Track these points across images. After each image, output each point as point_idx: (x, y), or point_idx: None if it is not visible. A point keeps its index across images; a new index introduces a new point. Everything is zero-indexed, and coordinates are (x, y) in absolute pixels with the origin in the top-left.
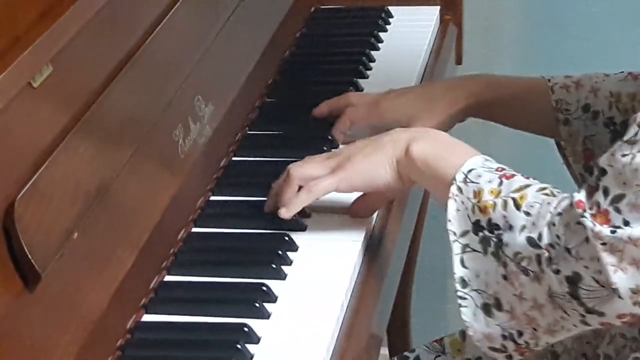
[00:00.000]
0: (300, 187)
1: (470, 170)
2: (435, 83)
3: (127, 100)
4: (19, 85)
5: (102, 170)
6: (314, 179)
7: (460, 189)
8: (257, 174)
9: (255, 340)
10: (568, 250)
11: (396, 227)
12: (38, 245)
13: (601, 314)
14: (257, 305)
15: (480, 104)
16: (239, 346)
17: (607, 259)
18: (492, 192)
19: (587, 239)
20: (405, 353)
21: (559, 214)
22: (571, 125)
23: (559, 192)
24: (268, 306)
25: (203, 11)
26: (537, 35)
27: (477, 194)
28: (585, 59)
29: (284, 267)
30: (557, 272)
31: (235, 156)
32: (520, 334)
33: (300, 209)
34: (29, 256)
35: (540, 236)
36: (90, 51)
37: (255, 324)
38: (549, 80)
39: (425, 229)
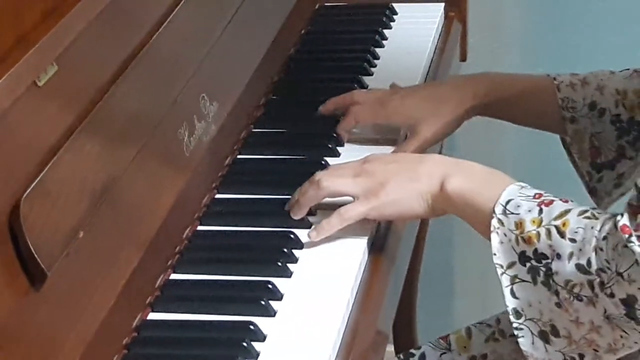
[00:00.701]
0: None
1: (508, 202)
2: (441, 83)
3: (132, 98)
4: (24, 84)
5: (108, 168)
6: (343, 195)
7: (501, 222)
8: (262, 172)
9: (261, 338)
10: (620, 274)
11: (402, 225)
12: (44, 244)
13: None
14: (262, 303)
15: (487, 103)
16: (244, 344)
17: None
18: (533, 221)
19: (637, 262)
20: (411, 350)
21: (604, 237)
22: (577, 123)
23: (599, 213)
24: (274, 304)
25: (208, 9)
26: (542, 32)
27: (519, 225)
28: (589, 55)
29: (289, 265)
30: (611, 295)
31: (240, 154)
32: (582, 356)
33: (330, 233)
34: (35, 255)
35: (589, 262)
36: (95, 50)
37: (261, 321)
38: (554, 79)
39: (431, 226)
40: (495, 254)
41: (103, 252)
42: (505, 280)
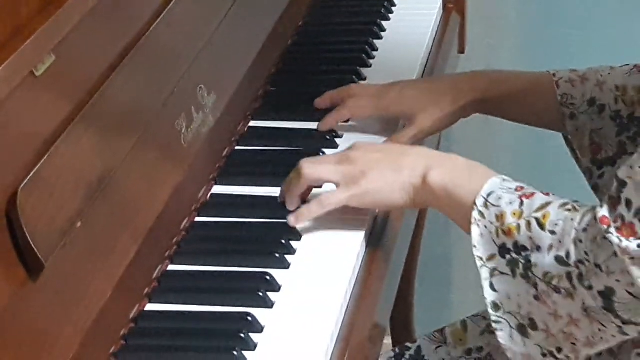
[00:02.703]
0: (309, 187)
1: (490, 194)
2: (441, 77)
3: (130, 89)
4: (22, 74)
5: (105, 159)
6: (325, 182)
7: (482, 214)
8: (259, 164)
9: (259, 329)
10: (598, 266)
11: (399, 217)
12: (41, 234)
13: (638, 324)
14: (260, 294)
15: (485, 99)
16: (242, 335)
17: (637, 272)
18: (514, 214)
19: (615, 254)
20: (407, 344)
21: (584, 229)
22: (577, 119)
23: (580, 206)
24: (272, 295)
25: (205, 0)
26: (540, 25)
27: (500, 217)
28: (587, 49)
29: (287, 257)
30: (589, 287)
31: (238, 145)
32: (560, 350)
33: (309, 219)
34: (32, 246)
35: (568, 254)
36: (93, 40)
37: (258, 313)
38: (554, 75)
39: (428, 219)
40: (475, 247)
41: (100, 243)
42: (484, 273)
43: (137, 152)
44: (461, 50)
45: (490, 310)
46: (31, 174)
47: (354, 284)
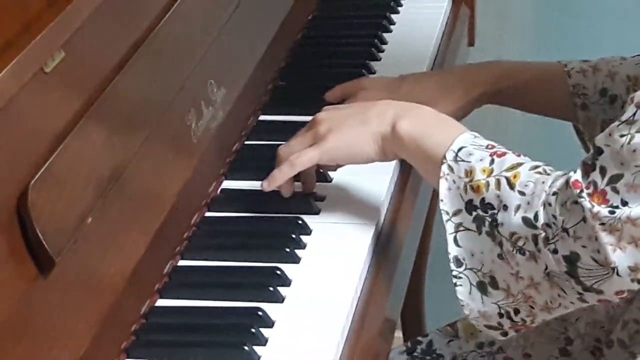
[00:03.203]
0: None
1: (460, 149)
2: (452, 69)
3: (140, 84)
4: (31, 70)
5: (115, 155)
6: (296, 150)
7: (451, 168)
8: (269, 158)
9: (270, 324)
10: (565, 230)
11: (409, 209)
12: (52, 230)
13: (599, 292)
14: (271, 289)
15: (497, 90)
16: (253, 330)
17: (606, 238)
18: (484, 170)
19: (584, 219)
20: (419, 338)
21: (554, 193)
22: (589, 109)
23: (552, 170)
24: (282, 290)
25: None
26: (550, 16)
27: (469, 172)
28: (597, 39)
29: (297, 251)
30: (554, 251)
31: (247, 140)
32: (517, 311)
33: (282, 182)
34: (43, 242)
35: (536, 216)
36: (102, 36)
37: (269, 308)
38: (565, 65)
39: (438, 211)
40: (442, 200)
41: (111, 239)
42: (449, 228)
43: (147, 148)
44: (471, 43)
45: (452, 265)
46: (41, 170)
47: (365, 278)
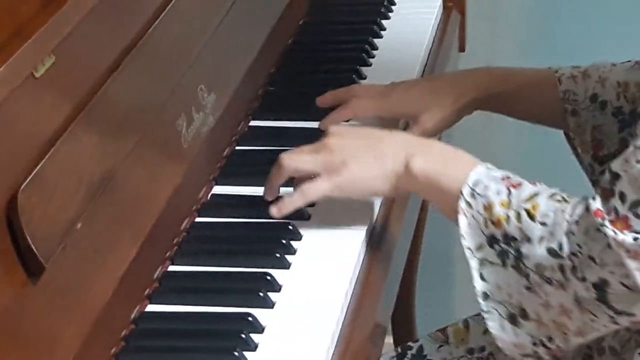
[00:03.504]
0: (291, 179)
1: (476, 183)
2: (443, 76)
3: (130, 90)
4: (22, 75)
5: (106, 160)
6: (305, 173)
7: (469, 204)
8: (260, 164)
9: (260, 329)
10: (591, 258)
11: (400, 216)
12: (41, 236)
13: (631, 315)
14: (261, 294)
15: (488, 96)
16: (243, 336)
17: (632, 264)
18: (502, 204)
19: (609, 245)
20: (409, 343)
21: (576, 221)
22: (579, 115)
23: (569, 197)
24: (272, 295)
25: (205, 0)
26: (541, 22)
27: (488, 207)
28: (589, 44)
29: (287, 257)
30: (583, 279)
31: (238, 145)
32: (551, 339)
33: (292, 211)
34: (33, 247)
35: (560, 246)
36: (93, 41)
37: (259, 313)
38: (556, 71)
39: (429, 217)
40: (463, 237)
41: (101, 244)
42: (473, 263)
43: (137, 153)
44: (461, 49)
45: (480, 300)
46: (31, 175)
47: (355, 284)
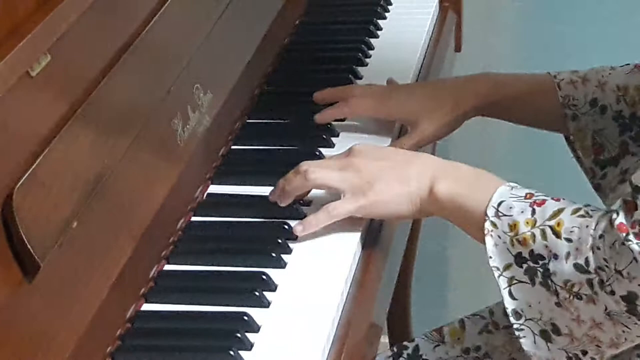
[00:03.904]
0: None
1: (500, 203)
2: (443, 82)
3: (126, 89)
4: (17, 74)
5: (101, 159)
6: (329, 189)
7: (494, 224)
8: (256, 163)
9: (255, 329)
10: (619, 272)
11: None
12: (37, 234)
13: None
14: (256, 294)
15: (487, 103)
16: (238, 335)
17: None
18: (527, 222)
19: (635, 259)
20: (405, 343)
21: (601, 236)
22: (579, 120)
23: (593, 211)
24: (268, 295)
25: None
26: (537, 22)
27: (513, 227)
28: (584, 45)
29: (283, 256)
30: (611, 293)
31: (234, 145)
32: (585, 352)
33: (317, 228)
34: (28, 246)
35: (587, 261)
36: (88, 40)
37: (255, 312)
38: (554, 77)
39: (425, 218)
40: (490, 257)
41: (96, 243)
42: (502, 283)
43: (133, 152)
44: (457, 49)
45: (511, 319)
46: (27, 174)
47: (351, 284)
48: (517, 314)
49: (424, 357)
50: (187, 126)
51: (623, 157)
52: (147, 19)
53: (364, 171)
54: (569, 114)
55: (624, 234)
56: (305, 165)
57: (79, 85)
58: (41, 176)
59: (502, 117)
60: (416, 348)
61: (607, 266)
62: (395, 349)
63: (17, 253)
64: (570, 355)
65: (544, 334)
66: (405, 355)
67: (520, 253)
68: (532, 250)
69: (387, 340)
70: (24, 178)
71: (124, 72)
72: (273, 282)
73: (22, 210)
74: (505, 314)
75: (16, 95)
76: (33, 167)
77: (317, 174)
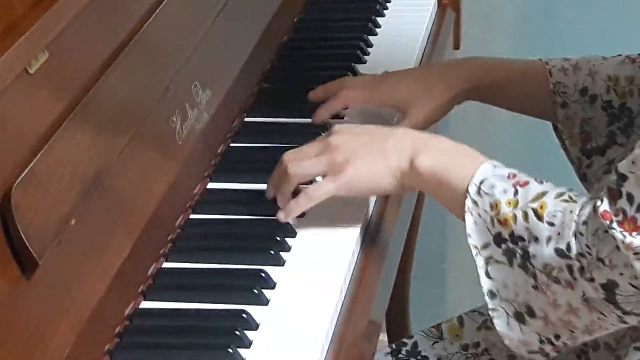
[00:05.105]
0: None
1: (482, 181)
2: (433, 67)
3: (124, 86)
4: (15, 71)
5: (100, 156)
6: (312, 177)
7: (475, 202)
8: (254, 161)
9: (254, 326)
10: (600, 259)
11: (395, 213)
12: (35, 232)
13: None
14: (255, 291)
15: (478, 87)
16: (237, 333)
17: None
18: (509, 203)
19: (617, 247)
20: (404, 340)
21: (584, 222)
22: (569, 108)
23: (577, 196)
24: (267, 293)
25: None
26: (535, 20)
27: (494, 206)
28: (582, 42)
29: (282, 254)
30: (591, 280)
31: (233, 143)
32: (558, 337)
33: (299, 214)
34: (27, 243)
35: (569, 247)
36: (87, 37)
37: (254, 310)
38: (547, 63)
39: (423, 215)
40: (469, 235)
41: (95, 241)
42: (480, 261)
43: (131, 150)
44: (456, 47)
45: (486, 299)
46: (25, 171)
47: (350, 281)
48: (493, 294)
49: (422, 353)
50: (186, 124)
51: (610, 147)
52: (145, 17)
53: (342, 149)
54: (559, 102)
55: (608, 222)
56: (285, 161)
57: (78, 83)
58: (40, 174)
59: (492, 102)
60: (415, 345)
61: (589, 253)
62: (394, 346)
63: (15, 251)
64: (543, 339)
65: (519, 316)
66: (404, 352)
67: (500, 233)
68: (512, 232)
69: (385, 337)
70: (22, 175)
71: (123, 69)
72: (272, 279)
73: (21, 207)
74: None
75: (14, 92)
76: (31, 164)
77: (296, 167)
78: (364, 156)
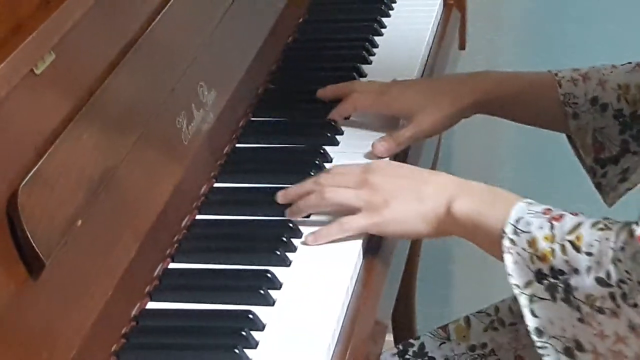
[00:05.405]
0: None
1: (518, 220)
2: (443, 78)
3: (130, 87)
4: (22, 72)
5: (106, 157)
6: (346, 207)
7: (513, 241)
8: (260, 161)
9: (261, 327)
10: None
11: None
12: (42, 233)
13: None
14: (261, 292)
15: (487, 100)
16: (243, 333)
17: None
18: (546, 238)
19: None
20: (410, 340)
21: (621, 248)
22: (580, 118)
23: (612, 223)
24: (273, 293)
25: None
26: (541, 20)
27: (532, 243)
28: (588, 43)
29: (288, 254)
30: (634, 305)
31: (238, 143)
32: None
33: (328, 240)
34: (33, 244)
35: (608, 274)
36: (93, 38)
37: (260, 310)
38: (555, 75)
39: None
40: (510, 275)
41: (101, 241)
42: (523, 300)
43: (137, 150)
44: (462, 47)
45: (533, 337)
46: (32, 172)
47: (356, 281)
48: (540, 332)
49: (429, 354)
50: (192, 124)
51: (623, 155)
52: (151, 17)
53: (381, 189)
54: (569, 112)
55: None
56: (322, 180)
57: (84, 84)
58: (46, 174)
59: (502, 115)
60: (422, 345)
61: (629, 278)
62: (401, 347)
63: (22, 251)
64: None
65: (568, 351)
66: (411, 353)
67: (540, 269)
68: (552, 266)
69: (391, 338)
70: (28, 176)
71: (129, 70)
72: (278, 280)
73: (27, 208)
74: (511, 311)
75: (21, 93)
76: (38, 165)
77: (333, 192)
78: (401, 200)
